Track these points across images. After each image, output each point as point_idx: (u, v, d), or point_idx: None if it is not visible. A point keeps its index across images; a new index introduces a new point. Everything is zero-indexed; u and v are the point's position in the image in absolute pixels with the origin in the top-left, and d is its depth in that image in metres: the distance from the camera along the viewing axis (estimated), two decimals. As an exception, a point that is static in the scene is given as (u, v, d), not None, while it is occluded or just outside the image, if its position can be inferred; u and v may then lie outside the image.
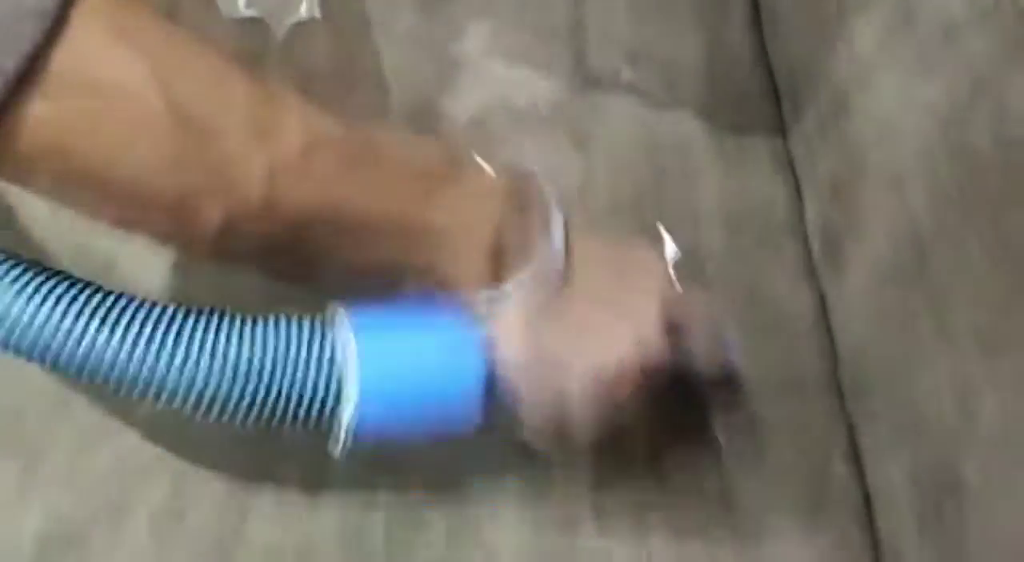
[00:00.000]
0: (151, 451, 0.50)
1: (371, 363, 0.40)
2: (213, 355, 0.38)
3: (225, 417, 0.40)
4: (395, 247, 0.41)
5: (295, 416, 0.40)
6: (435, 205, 0.41)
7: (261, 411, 0.39)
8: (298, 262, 0.40)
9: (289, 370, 0.39)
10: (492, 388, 0.42)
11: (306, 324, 0.41)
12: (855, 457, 0.56)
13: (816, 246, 0.65)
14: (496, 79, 0.71)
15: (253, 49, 0.76)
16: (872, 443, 0.55)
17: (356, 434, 0.41)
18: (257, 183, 0.36)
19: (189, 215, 0.36)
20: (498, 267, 0.42)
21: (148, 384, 0.38)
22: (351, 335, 0.40)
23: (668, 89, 0.75)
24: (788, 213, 0.68)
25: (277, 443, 0.50)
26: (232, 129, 0.36)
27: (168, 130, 0.35)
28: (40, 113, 0.33)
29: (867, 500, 0.54)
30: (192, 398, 0.39)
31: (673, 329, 0.44)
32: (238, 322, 0.40)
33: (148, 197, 0.36)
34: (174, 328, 0.38)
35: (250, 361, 0.39)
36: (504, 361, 0.41)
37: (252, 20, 0.78)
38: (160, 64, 0.35)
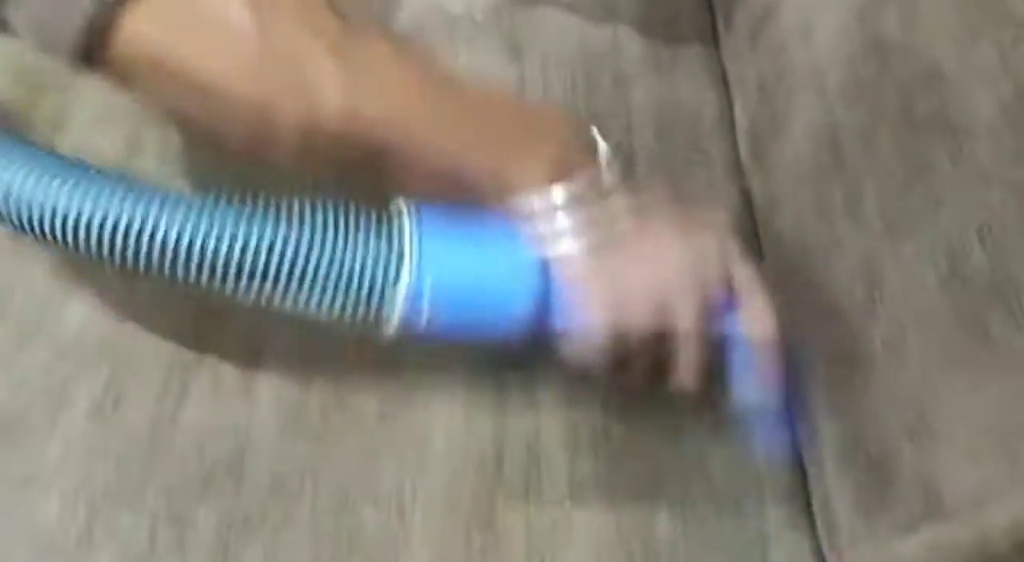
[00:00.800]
0: (89, 342, 0.51)
1: (429, 252, 0.42)
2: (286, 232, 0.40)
3: (289, 293, 0.41)
4: (465, 166, 0.43)
5: (354, 296, 0.41)
6: (504, 140, 0.44)
7: (324, 287, 0.41)
8: (373, 173, 0.42)
9: (351, 250, 0.41)
10: (546, 298, 0.43)
11: (372, 212, 0.42)
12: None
13: (743, 148, 0.67)
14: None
15: None
16: (793, 328, 0.57)
17: (407, 319, 0.42)
18: (334, 96, 0.40)
19: (270, 119, 0.40)
20: (561, 175, 0.43)
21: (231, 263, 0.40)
22: (413, 225, 0.42)
23: (604, 5, 0.76)
24: (718, 118, 0.70)
25: (215, 331, 0.51)
26: (316, 45, 0.40)
27: (251, 46, 0.39)
28: (144, 27, 0.38)
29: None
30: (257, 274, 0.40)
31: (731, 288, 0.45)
32: (309, 205, 0.42)
33: (230, 103, 0.40)
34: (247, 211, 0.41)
35: (318, 239, 0.40)
36: (562, 281, 0.43)
37: None
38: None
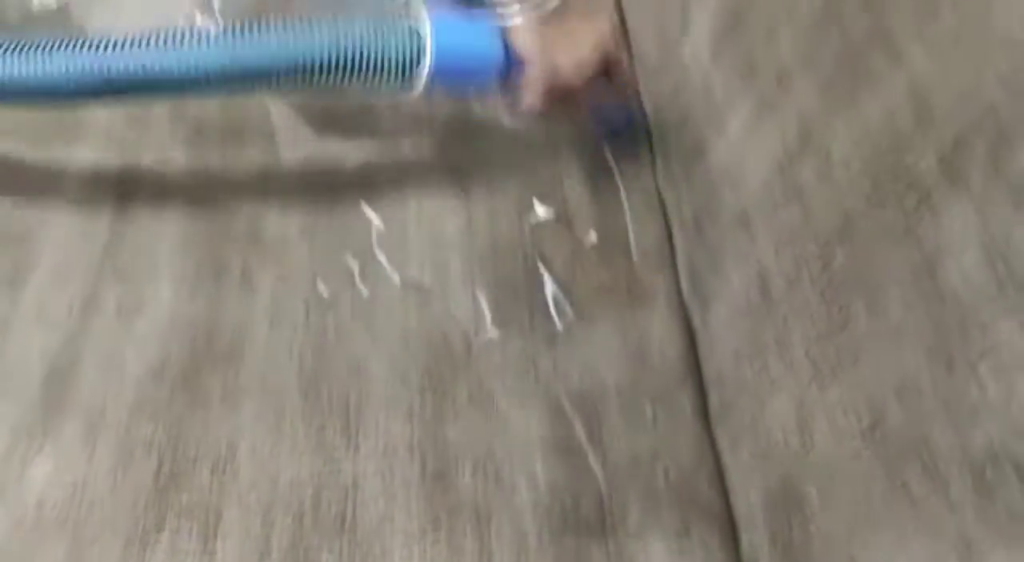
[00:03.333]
0: (48, 513, 0.52)
1: (439, 36, 0.64)
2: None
3: (359, 79, 0.63)
4: None
5: (392, 69, 0.63)
6: None
7: (371, 69, 0.63)
8: None
9: (386, 38, 0.63)
10: (509, 57, 0.66)
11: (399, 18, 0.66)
12: (720, 479, 0.60)
13: (684, 281, 0.70)
14: None
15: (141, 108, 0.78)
16: (734, 465, 0.59)
17: (430, 82, 0.64)
18: None
19: None
20: None
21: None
22: (428, 19, 0.64)
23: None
24: (657, 248, 0.73)
25: (174, 495, 0.52)
26: None
27: None
28: None
29: (731, 520, 0.59)
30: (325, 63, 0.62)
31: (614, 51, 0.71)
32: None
33: None
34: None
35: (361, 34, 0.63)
36: (519, 43, 0.66)
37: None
38: None
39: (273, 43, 0.61)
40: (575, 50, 0.68)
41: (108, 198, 0.69)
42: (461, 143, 0.76)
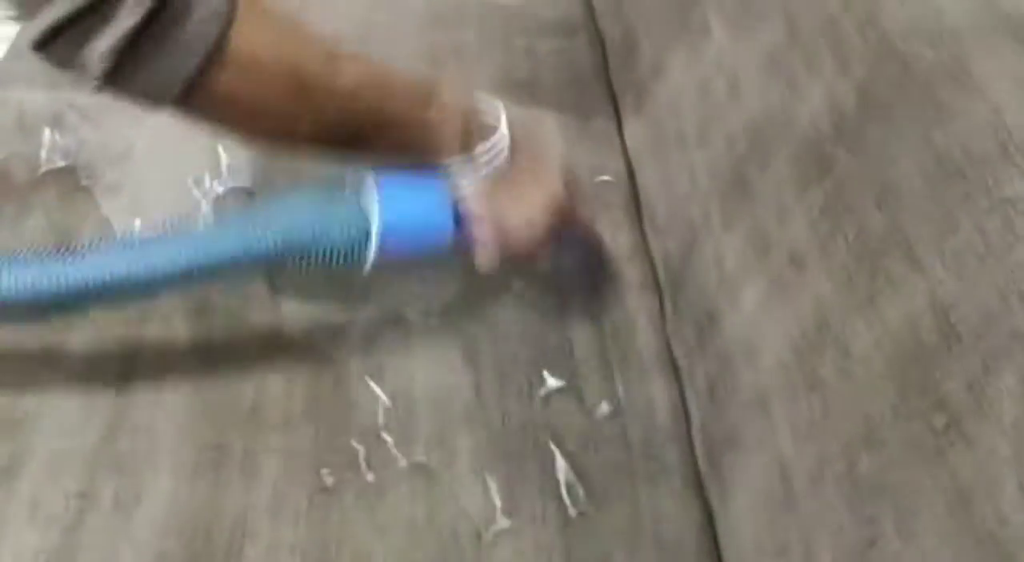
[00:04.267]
0: None
1: (387, 212, 0.63)
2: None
3: (296, 255, 0.63)
4: (404, 133, 0.65)
5: (341, 252, 0.63)
6: (428, 107, 0.66)
7: (319, 254, 0.63)
8: (345, 143, 0.64)
9: (333, 223, 0.63)
10: (459, 225, 0.66)
11: (343, 197, 0.66)
12: None
13: (701, 456, 0.68)
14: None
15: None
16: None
17: (375, 259, 0.63)
18: (333, 100, 0.62)
19: (293, 124, 0.62)
20: (466, 146, 0.67)
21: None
22: (374, 195, 0.64)
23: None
24: (671, 416, 0.71)
25: None
26: (317, 70, 0.61)
27: (288, 78, 0.60)
28: (216, 81, 0.56)
29: None
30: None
31: (567, 205, 0.71)
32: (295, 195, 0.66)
33: (272, 118, 0.61)
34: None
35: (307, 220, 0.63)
36: (468, 209, 0.67)
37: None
38: (282, 45, 0.60)
39: (220, 242, 0.62)
40: (525, 211, 0.68)
41: (109, 377, 0.68)
42: (468, 310, 0.75)
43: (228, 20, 0.55)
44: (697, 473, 0.67)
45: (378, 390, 0.69)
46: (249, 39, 0.56)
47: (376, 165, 0.66)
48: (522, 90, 0.99)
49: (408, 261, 0.68)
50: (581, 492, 0.64)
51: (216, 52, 0.55)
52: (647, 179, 0.88)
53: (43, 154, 0.84)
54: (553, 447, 0.67)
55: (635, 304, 0.80)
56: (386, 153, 0.66)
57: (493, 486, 0.64)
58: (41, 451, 0.63)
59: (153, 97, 0.56)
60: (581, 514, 0.63)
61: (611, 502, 0.64)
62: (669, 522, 0.64)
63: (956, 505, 0.42)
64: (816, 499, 0.53)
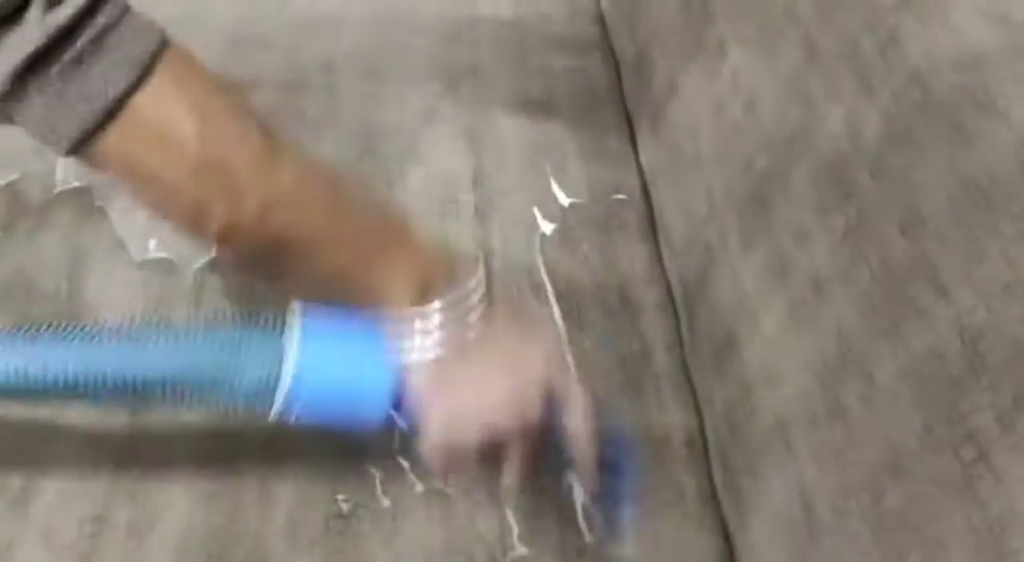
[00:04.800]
0: None
1: (306, 361, 0.52)
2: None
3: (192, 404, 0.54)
4: (346, 277, 0.53)
5: (238, 392, 0.52)
6: (380, 260, 0.53)
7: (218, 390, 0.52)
8: (274, 270, 0.53)
9: (240, 356, 0.52)
10: (398, 404, 0.53)
11: (261, 327, 0.54)
12: None
13: (719, 480, 0.67)
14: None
15: (163, 290, 0.77)
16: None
17: (285, 410, 0.52)
18: (254, 201, 0.49)
19: (203, 215, 0.50)
20: (424, 294, 0.52)
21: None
22: (297, 336, 0.52)
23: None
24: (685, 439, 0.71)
25: None
26: (243, 164, 0.50)
27: (197, 162, 0.49)
28: (115, 140, 0.48)
29: None
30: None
31: (552, 398, 0.53)
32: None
33: (175, 199, 0.50)
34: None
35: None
36: (413, 388, 0.52)
37: (162, 261, 0.80)
38: (203, 118, 0.49)
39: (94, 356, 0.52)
40: (487, 404, 0.52)
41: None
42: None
43: (144, 72, 0.47)
44: (715, 500, 0.67)
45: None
46: (164, 102, 0.48)
47: (305, 297, 0.54)
48: (537, 108, 0.99)
49: (329, 424, 0.54)
50: (598, 519, 0.64)
51: (117, 105, 0.47)
52: (663, 198, 0.87)
53: (58, 174, 0.84)
54: (569, 472, 0.66)
55: (651, 326, 0.79)
56: (311, 291, 0.54)
57: (509, 512, 0.63)
58: (55, 476, 0.63)
59: (46, 142, 0.49)
60: (597, 541, 0.63)
61: (628, 529, 0.64)
62: (687, 549, 0.63)
63: (986, 539, 0.42)
64: (841, 530, 0.53)
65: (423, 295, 0.52)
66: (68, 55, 0.46)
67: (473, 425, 0.52)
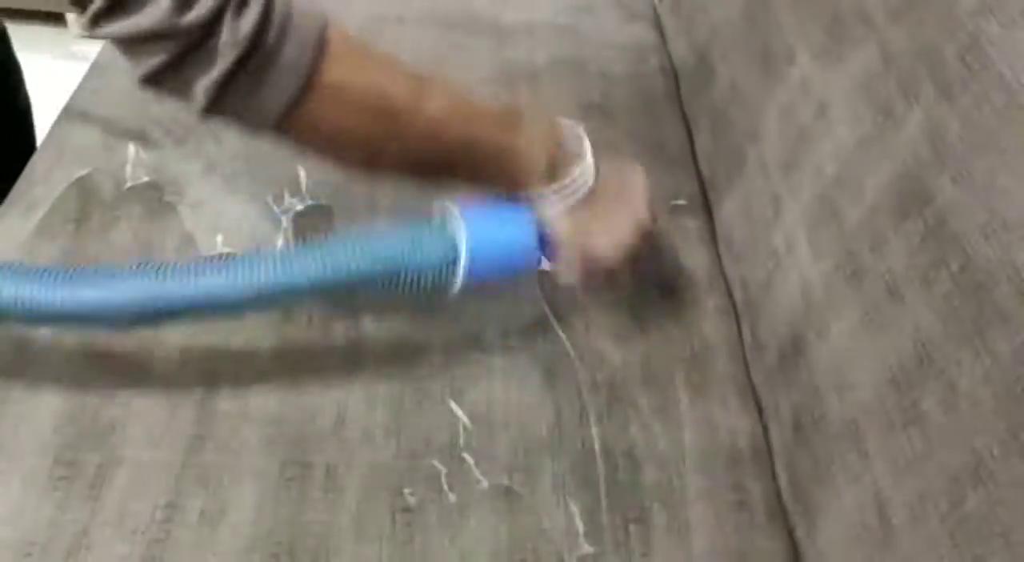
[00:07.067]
0: None
1: (473, 238, 0.64)
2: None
3: (394, 281, 0.64)
4: (491, 162, 0.66)
5: (428, 276, 0.64)
6: (515, 136, 0.67)
7: (408, 279, 0.63)
8: (432, 171, 0.66)
9: (423, 249, 0.64)
10: (544, 247, 0.68)
11: (431, 225, 0.67)
12: None
13: (784, 487, 0.67)
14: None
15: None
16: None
17: (464, 283, 0.64)
18: (420, 128, 0.63)
19: (379, 153, 0.63)
20: (552, 175, 0.67)
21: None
22: (461, 222, 0.65)
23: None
24: (751, 445, 0.70)
25: None
26: (403, 102, 0.62)
27: (374, 108, 0.61)
28: (310, 109, 0.58)
29: None
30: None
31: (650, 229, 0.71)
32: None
33: (358, 146, 0.62)
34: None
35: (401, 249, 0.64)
36: (553, 232, 0.68)
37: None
38: (370, 75, 0.61)
39: (311, 265, 0.62)
40: (610, 234, 0.68)
41: (194, 388, 0.68)
42: (545, 333, 0.75)
43: (319, 52, 0.57)
44: (781, 505, 0.66)
45: (459, 411, 0.69)
46: (339, 69, 0.58)
47: (461, 194, 0.67)
48: (595, 113, 0.99)
49: (494, 285, 0.68)
50: (665, 519, 0.64)
51: (308, 83, 0.57)
52: (723, 204, 0.87)
53: (128, 169, 0.86)
54: (635, 472, 0.66)
55: (712, 330, 0.79)
56: (472, 182, 0.67)
57: (576, 510, 0.63)
58: (128, 461, 0.64)
59: (252, 125, 0.59)
60: (663, 540, 0.63)
61: (693, 527, 0.63)
62: (753, 553, 0.63)
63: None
64: (918, 536, 0.52)
65: (554, 172, 0.67)
66: (257, 60, 0.55)
67: (603, 245, 0.68)
